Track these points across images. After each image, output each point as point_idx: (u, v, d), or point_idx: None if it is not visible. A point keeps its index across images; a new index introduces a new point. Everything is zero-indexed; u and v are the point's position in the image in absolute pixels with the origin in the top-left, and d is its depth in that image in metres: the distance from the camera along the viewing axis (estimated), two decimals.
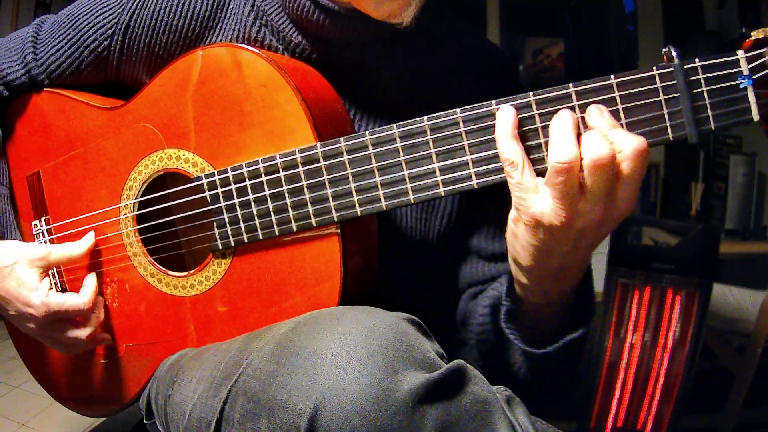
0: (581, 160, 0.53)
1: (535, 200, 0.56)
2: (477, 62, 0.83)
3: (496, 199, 0.80)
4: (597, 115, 0.54)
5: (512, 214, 0.60)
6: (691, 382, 1.54)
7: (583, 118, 0.55)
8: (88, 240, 0.79)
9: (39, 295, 0.73)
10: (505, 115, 0.57)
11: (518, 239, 0.60)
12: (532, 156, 0.57)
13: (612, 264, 1.56)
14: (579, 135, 0.54)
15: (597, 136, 0.53)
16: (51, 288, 0.75)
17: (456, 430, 0.51)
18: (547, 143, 0.56)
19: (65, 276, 0.82)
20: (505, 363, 0.74)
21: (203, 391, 0.62)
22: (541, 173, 0.57)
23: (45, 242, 0.83)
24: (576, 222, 0.55)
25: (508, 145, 0.56)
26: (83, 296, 0.77)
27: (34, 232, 0.84)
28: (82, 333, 0.77)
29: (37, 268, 0.75)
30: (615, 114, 0.55)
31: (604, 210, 0.54)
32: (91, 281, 0.79)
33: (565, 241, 0.57)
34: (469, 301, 0.83)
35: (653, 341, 1.56)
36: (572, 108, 0.55)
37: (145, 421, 0.77)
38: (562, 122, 0.54)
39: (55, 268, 0.81)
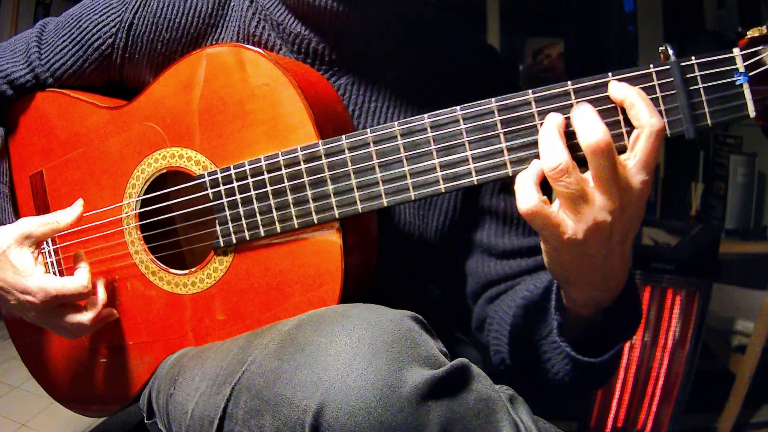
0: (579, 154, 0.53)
1: (563, 229, 0.55)
2: (477, 62, 0.83)
3: (501, 196, 0.81)
4: (623, 86, 0.54)
5: (544, 246, 0.60)
6: (691, 382, 1.54)
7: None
8: (76, 208, 0.76)
9: (35, 280, 0.71)
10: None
11: (561, 264, 0.60)
12: (532, 151, 0.57)
13: None
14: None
15: (589, 120, 0.53)
16: (47, 272, 0.73)
17: (460, 427, 0.51)
18: None
19: (63, 265, 0.82)
20: (540, 369, 0.73)
21: (206, 389, 0.62)
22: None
23: (47, 242, 0.83)
24: (602, 220, 0.54)
25: (529, 194, 0.55)
26: (80, 278, 0.74)
27: None
28: (85, 318, 0.74)
29: (27, 248, 0.73)
30: (613, 111, 0.55)
31: (620, 195, 0.54)
32: (83, 264, 0.76)
33: (601, 243, 0.56)
34: (486, 305, 0.82)
35: (653, 341, 1.57)
36: (570, 105, 0.56)
37: (145, 421, 0.77)
38: (546, 129, 0.55)
39: (51, 254, 0.81)
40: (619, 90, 0.54)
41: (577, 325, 0.67)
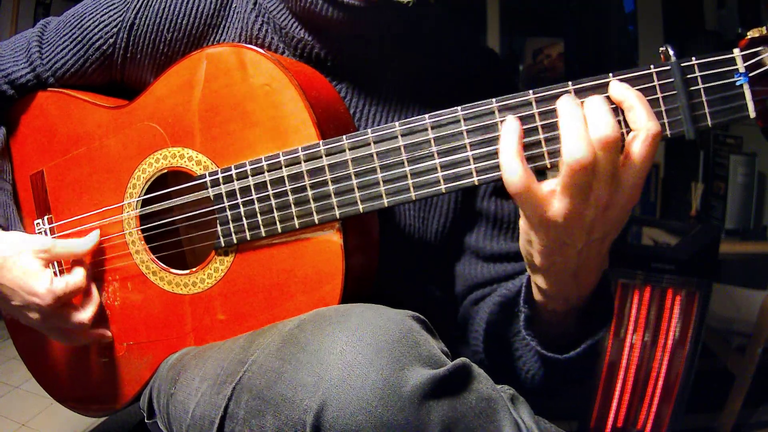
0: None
1: (545, 208, 0.55)
2: (476, 64, 0.83)
3: (493, 199, 0.81)
4: (622, 88, 0.54)
5: (522, 223, 0.59)
6: (691, 382, 1.54)
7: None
8: (93, 238, 0.79)
9: (44, 283, 0.73)
10: (512, 130, 0.55)
11: (533, 245, 0.59)
12: (532, 152, 0.57)
13: (612, 264, 1.56)
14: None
15: (603, 114, 0.52)
16: (54, 275, 0.75)
17: (461, 426, 0.51)
18: (546, 140, 0.56)
19: (63, 265, 0.82)
20: (513, 368, 0.74)
21: (207, 389, 0.62)
22: (538, 170, 0.57)
23: None
24: (587, 212, 0.54)
25: (513, 167, 0.54)
26: (78, 274, 0.77)
27: (37, 231, 0.85)
28: (84, 316, 0.76)
29: (40, 259, 0.75)
30: (613, 111, 0.55)
31: (610, 192, 0.54)
32: (81, 259, 0.79)
33: (579, 234, 0.56)
34: (471, 306, 0.83)
35: (653, 341, 1.57)
36: None
37: (146, 420, 0.77)
38: (571, 117, 0.53)
39: (56, 264, 0.81)
40: (619, 91, 0.54)
41: (550, 322, 0.67)
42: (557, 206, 0.54)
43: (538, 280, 0.63)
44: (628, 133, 0.55)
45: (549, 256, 0.59)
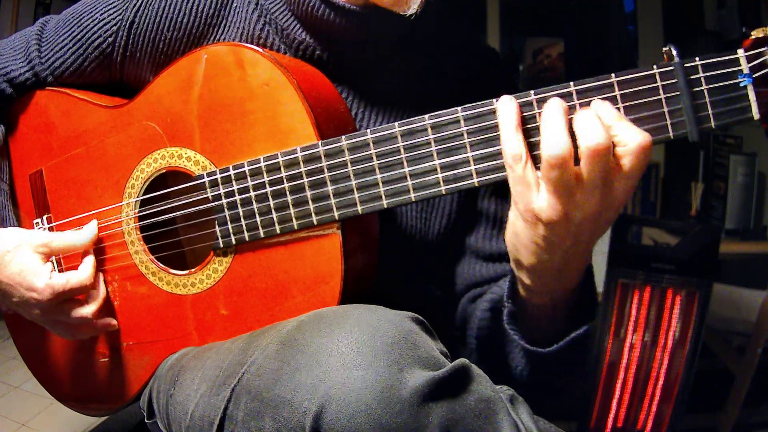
0: (575, 150, 0.53)
1: (534, 195, 0.55)
2: (477, 64, 0.83)
3: (494, 199, 0.81)
4: (604, 107, 0.54)
5: (511, 213, 0.59)
6: (691, 382, 1.54)
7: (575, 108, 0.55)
8: (91, 229, 0.78)
9: (42, 278, 0.72)
10: (508, 107, 0.56)
11: (519, 238, 0.59)
12: (534, 153, 0.57)
13: (612, 264, 1.56)
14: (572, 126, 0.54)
15: (594, 124, 0.52)
16: (53, 270, 0.74)
17: (461, 428, 0.51)
18: None
19: (63, 264, 0.82)
20: (505, 365, 0.74)
21: (206, 390, 0.62)
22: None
23: None
24: (574, 214, 0.54)
25: (512, 138, 0.56)
26: (84, 272, 0.76)
27: None
28: (88, 310, 0.75)
29: (39, 254, 0.74)
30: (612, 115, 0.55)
31: (601, 199, 0.54)
32: (89, 258, 0.78)
33: (565, 235, 0.56)
34: (468, 304, 0.83)
35: (653, 341, 1.56)
36: (573, 107, 0.55)
37: (146, 421, 0.77)
38: (553, 114, 0.54)
39: (54, 257, 0.81)
40: (600, 109, 0.54)
41: (538, 317, 0.67)
42: (542, 199, 0.55)
43: (523, 277, 0.63)
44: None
45: (535, 253, 0.59)
